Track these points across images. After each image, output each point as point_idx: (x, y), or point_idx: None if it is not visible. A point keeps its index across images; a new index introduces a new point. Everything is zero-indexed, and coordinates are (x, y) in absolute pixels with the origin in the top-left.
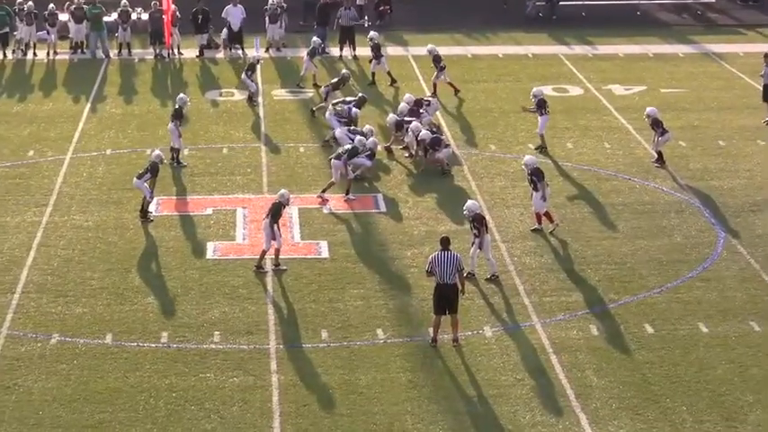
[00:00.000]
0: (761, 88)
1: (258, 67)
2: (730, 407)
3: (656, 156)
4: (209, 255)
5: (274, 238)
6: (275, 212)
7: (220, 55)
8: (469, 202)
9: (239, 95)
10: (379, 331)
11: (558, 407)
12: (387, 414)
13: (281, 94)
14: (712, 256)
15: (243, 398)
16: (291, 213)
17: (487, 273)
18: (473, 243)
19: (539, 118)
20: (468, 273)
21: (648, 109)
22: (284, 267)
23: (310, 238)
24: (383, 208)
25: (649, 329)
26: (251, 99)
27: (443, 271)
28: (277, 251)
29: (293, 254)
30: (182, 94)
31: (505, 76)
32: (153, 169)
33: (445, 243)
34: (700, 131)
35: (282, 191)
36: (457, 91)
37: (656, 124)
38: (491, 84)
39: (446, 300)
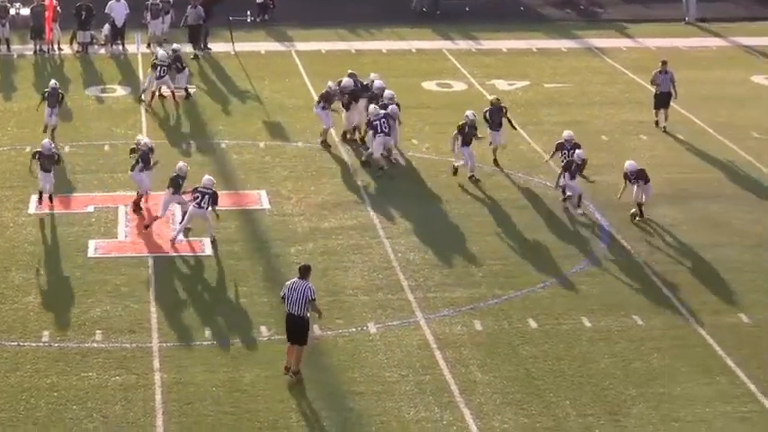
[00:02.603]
0: (647, 86)
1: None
2: (613, 400)
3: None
4: (91, 253)
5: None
6: (174, 185)
7: (102, 51)
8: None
9: (122, 91)
10: (263, 328)
11: (442, 402)
12: (271, 411)
13: (164, 89)
14: (596, 250)
15: (125, 396)
16: (174, 212)
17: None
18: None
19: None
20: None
21: (628, 164)
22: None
23: (193, 236)
24: (267, 205)
25: (533, 324)
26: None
27: (292, 300)
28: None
29: (175, 251)
30: (53, 81)
31: (390, 71)
32: (144, 159)
33: (302, 272)
34: (583, 126)
35: (180, 164)
36: None
37: (640, 177)
38: None
39: (292, 330)
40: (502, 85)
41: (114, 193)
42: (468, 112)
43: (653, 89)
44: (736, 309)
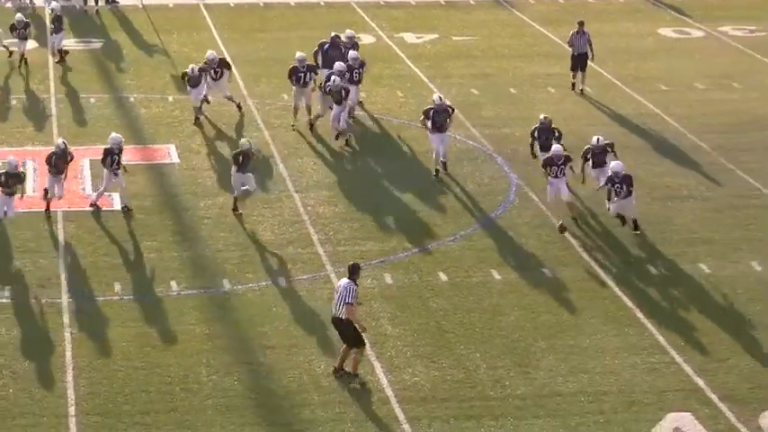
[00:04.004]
0: (555, 38)
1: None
2: (523, 353)
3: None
4: None
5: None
6: (236, 161)
7: (9, 5)
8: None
9: (30, 44)
10: (173, 283)
11: None
12: (181, 366)
13: (70, 44)
14: (504, 203)
15: (35, 352)
16: (83, 165)
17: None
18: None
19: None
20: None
21: (613, 163)
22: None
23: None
24: (176, 159)
25: (443, 277)
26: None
27: (335, 300)
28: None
29: (85, 206)
30: None
31: (298, 24)
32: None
33: (349, 271)
34: (491, 79)
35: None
36: None
37: (625, 182)
38: (283, 33)
39: (339, 333)
40: (410, 38)
41: (22, 147)
42: (435, 96)
43: (569, 50)
44: (644, 261)
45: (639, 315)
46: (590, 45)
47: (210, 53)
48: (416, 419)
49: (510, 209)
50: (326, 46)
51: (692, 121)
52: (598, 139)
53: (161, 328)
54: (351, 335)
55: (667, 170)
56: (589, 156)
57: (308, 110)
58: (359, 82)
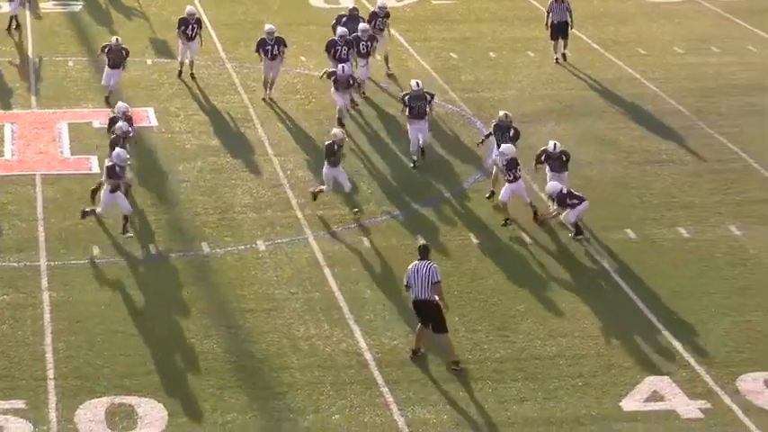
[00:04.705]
0: (534, 2)
1: None
2: (502, 316)
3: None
4: None
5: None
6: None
7: None
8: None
9: (6, 8)
10: (152, 247)
11: (332, 319)
12: (161, 330)
13: (48, 6)
14: (485, 166)
15: (14, 315)
16: (61, 128)
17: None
18: None
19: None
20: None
21: (550, 185)
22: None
23: (80, 153)
24: (154, 122)
25: (421, 241)
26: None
27: (417, 285)
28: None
29: (63, 169)
30: None
31: None
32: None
33: (423, 252)
34: (471, 43)
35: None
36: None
37: (567, 197)
38: None
39: (425, 317)
40: (390, 1)
41: (1, 110)
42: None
43: (547, 19)
44: (622, 225)
45: (618, 279)
46: (570, 13)
47: (190, 8)
48: (395, 383)
49: (487, 172)
50: (344, 19)
51: (670, 85)
52: (555, 144)
53: (140, 291)
54: (439, 317)
55: (646, 134)
56: (542, 159)
57: (272, 84)
58: (368, 55)
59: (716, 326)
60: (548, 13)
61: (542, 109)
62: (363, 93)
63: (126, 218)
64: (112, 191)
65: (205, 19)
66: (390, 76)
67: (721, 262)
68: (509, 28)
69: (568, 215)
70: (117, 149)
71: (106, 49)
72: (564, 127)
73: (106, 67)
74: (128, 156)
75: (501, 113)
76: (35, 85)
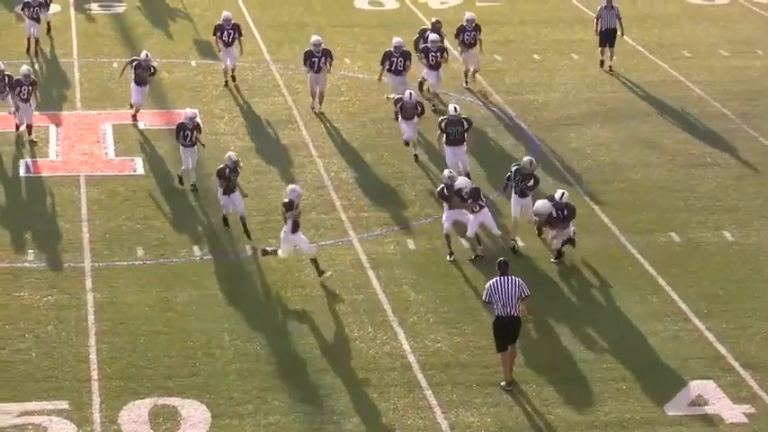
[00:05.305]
0: (578, 5)
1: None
2: (543, 319)
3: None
4: (22, 172)
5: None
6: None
7: None
8: None
9: (55, 7)
10: (196, 248)
11: (376, 321)
12: (204, 331)
13: (94, 8)
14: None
15: (58, 316)
16: (105, 130)
17: None
18: None
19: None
20: None
21: (538, 205)
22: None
23: (124, 155)
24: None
25: (465, 244)
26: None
27: (504, 300)
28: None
29: (107, 170)
30: None
31: None
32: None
33: (503, 267)
34: (515, 45)
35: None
36: None
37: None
38: None
39: (507, 334)
40: (434, 3)
41: (45, 112)
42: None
43: (594, 25)
44: (666, 228)
45: (662, 282)
46: (619, 20)
47: (226, 14)
48: (439, 385)
49: None
50: (427, 33)
51: (715, 88)
52: (531, 161)
53: (184, 292)
54: (518, 334)
55: (690, 137)
56: (512, 171)
57: (321, 98)
58: (438, 66)
59: (760, 330)
60: (596, 18)
61: (587, 112)
62: (434, 107)
63: (243, 219)
64: (226, 192)
65: (249, 20)
66: (468, 90)
67: (766, 265)
68: (553, 30)
69: (558, 239)
70: (229, 154)
71: (134, 64)
72: (608, 129)
73: (133, 84)
74: (237, 158)
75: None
76: (80, 86)
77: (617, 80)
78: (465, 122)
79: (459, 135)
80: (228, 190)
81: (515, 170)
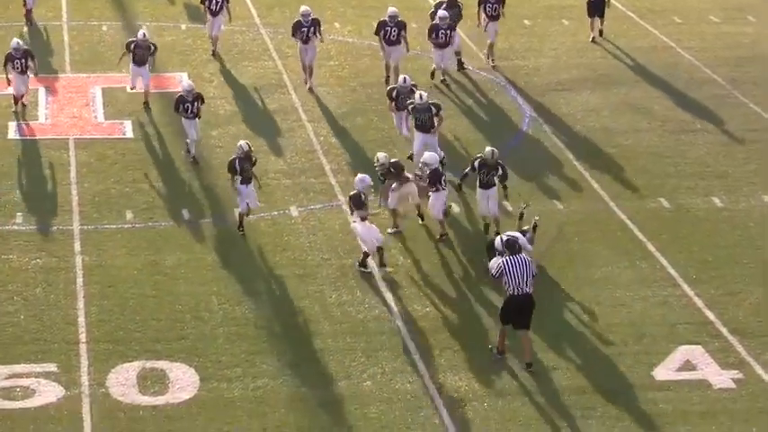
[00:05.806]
0: None
1: None
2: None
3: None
4: (11, 134)
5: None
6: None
7: None
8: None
9: None
10: (185, 212)
11: (363, 286)
12: (193, 295)
13: None
14: (517, 135)
15: (46, 279)
16: (95, 93)
17: None
18: None
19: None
20: None
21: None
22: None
23: (114, 118)
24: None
25: (455, 208)
26: None
27: (518, 279)
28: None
29: (97, 134)
30: None
31: None
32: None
33: (511, 246)
34: (506, 10)
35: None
36: None
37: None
38: None
39: (521, 312)
40: None
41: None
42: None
43: None
44: (656, 194)
45: (651, 248)
46: None
47: None
48: (427, 350)
49: (522, 141)
50: (444, 6)
51: (705, 54)
52: (493, 152)
53: (172, 256)
54: (532, 312)
55: (680, 103)
56: (476, 165)
57: (310, 72)
58: (446, 45)
59: (749, 296)
60: None
61: (577, 77)
62: (444, 80)
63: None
64: (244, 182)
65: None
66: (495, 68)
67: (755, 232)
68: None
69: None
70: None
71: (132, 45)
72: (599, 95)
73: (131, 64)
74: (248, 146)
75: (488, 150)
76: (69, 49)
77: (607, 46)
78: (433, 107)
79: (428, 121)
80: (246, 180)
81: (479, 164)
